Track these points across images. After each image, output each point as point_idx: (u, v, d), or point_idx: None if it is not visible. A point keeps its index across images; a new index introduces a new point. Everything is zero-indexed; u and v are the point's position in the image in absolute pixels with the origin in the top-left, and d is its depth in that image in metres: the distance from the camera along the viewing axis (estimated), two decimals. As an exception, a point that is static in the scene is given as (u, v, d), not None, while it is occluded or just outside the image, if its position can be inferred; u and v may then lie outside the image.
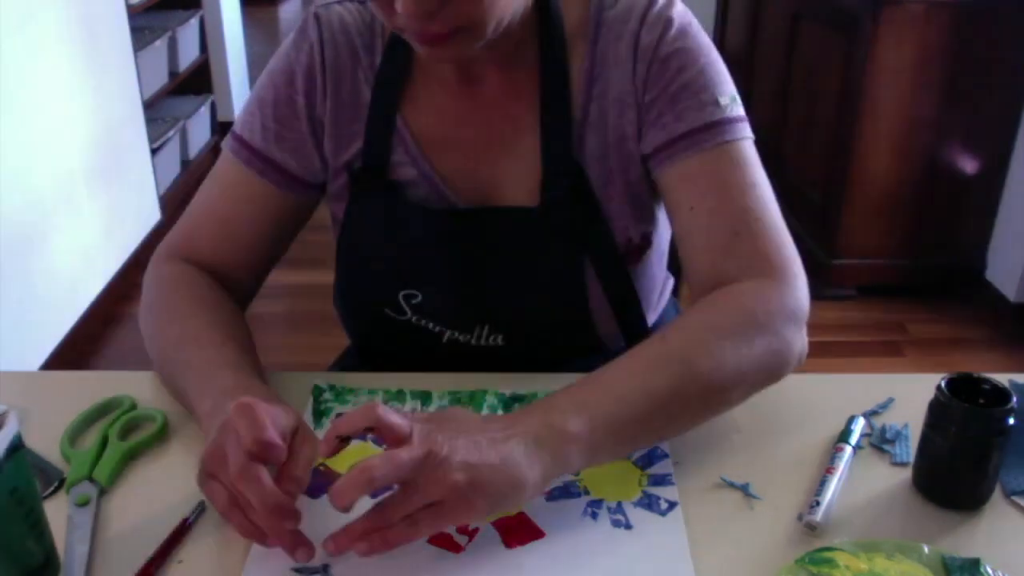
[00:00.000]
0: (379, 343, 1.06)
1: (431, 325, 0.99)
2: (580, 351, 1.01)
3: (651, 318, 1.07)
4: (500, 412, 0.89)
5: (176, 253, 0.97)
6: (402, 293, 0.97)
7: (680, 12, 0.91)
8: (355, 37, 0.94)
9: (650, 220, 0.99)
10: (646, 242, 0.99)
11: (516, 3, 0.83)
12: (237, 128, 0.97)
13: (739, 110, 0.90)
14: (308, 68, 0.94)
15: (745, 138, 0.90)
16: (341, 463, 0.81)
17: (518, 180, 0.94)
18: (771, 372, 0.82)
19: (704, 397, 0.78)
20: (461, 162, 0.95)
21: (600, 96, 0.92)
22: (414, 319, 0.99)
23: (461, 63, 0.92)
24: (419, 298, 0.97)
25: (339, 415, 0.89)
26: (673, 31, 0.89)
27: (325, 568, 0.70)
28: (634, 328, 1.02)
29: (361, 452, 0.83)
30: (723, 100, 0.89)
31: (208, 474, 0.71)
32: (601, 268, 0.96)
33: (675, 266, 1.13)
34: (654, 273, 1.03)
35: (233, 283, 0.97)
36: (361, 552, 0.67)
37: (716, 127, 0.88)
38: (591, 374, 0.77)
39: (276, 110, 0.95)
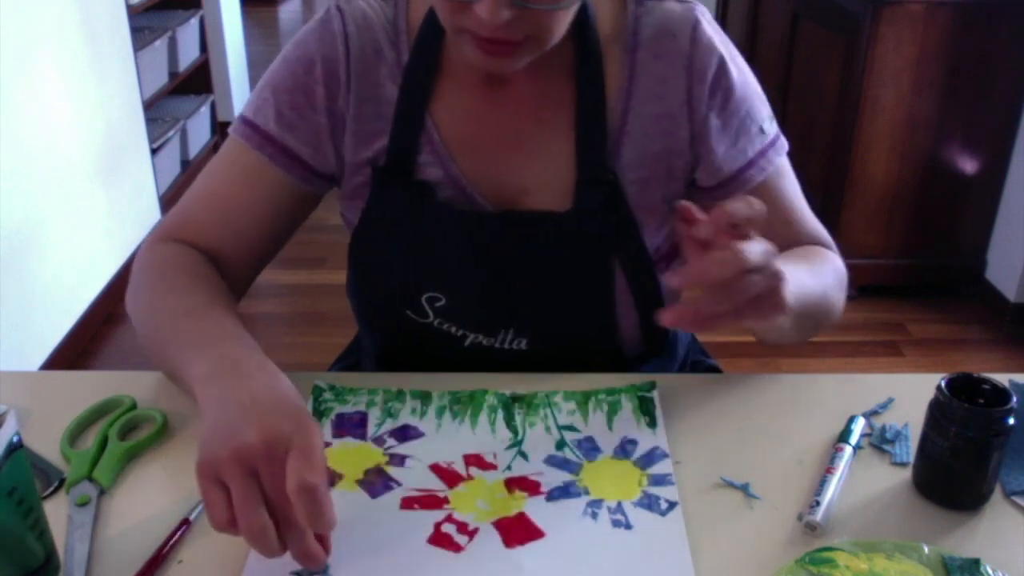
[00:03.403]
0: (399, 346, 1.03)
1: (453, 329, 0.97)
2: (600, 354, 1.00)
3: None
4: (500, 412, 0.89)
5: (173, 236, 0.95)
6: (425, 296, 0.95)
7: (723, 36, 0.94)
8: (379, 33, 0.93)
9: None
10: (674, 251, 1.00)
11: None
12: (248, 114, 0.94)
13: (775, 126, 0.98)
14: (330, 60, 0.92)
15: (784, 151, 0.98)
16: (343, 464, 0.82)
17: (548, 185, 0.93)
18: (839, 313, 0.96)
19: (832, 310, 0.94)
20: (488, 165, 0.94)
21: (640, 106, 0.92)
22: (436, 322, 0.97)
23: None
24: (443, 301, 0.95)
25: (339, 415, 0.89)
26: (727, 60, 0.92)
27: (325, 569, 0.70)
28: (655, 333, 1.02)
29: (360, 452, 0.84)
30: (767, 125, 0.96)
31: (237, 459, 0.66)
32: (631, 275, 0.95)
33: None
34: None
35: (229, 272, 0.94)
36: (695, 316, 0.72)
37: (766, 153, 0.95)
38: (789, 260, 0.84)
39: (292, 97, 0.93)
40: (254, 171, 0.93)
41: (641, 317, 0.98)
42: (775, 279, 0.72)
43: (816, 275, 0.90)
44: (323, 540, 0.69)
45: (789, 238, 0.96)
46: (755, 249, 0.69)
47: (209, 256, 0.94)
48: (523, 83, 0.92)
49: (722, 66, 0.92)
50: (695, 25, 0.91)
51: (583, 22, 0.90)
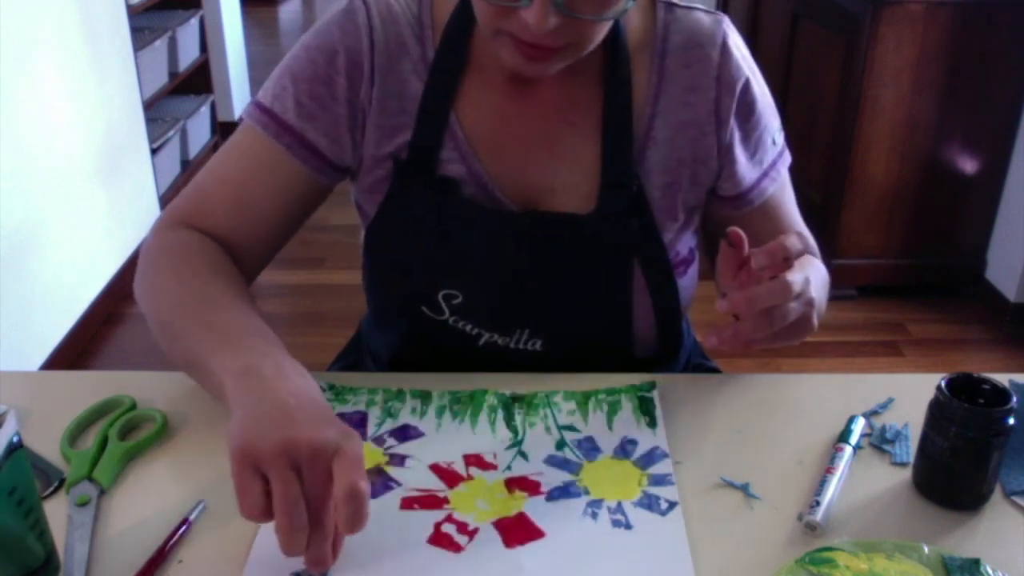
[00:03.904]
0: (413, 344, 1.03)
1: (469, 327, 0.97)
2: (614, 355, 1.00)
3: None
4: (500, 412, 0.89)
5: (184, 221, 0.93)
6: (442, 293, 0.95)
7: (747, 49, 0.96)
8: (404, 27, 0.92)
9: (696, 234, 1.02)
10: (692, 255, 1.01)
11: None
12: (266, 101, 0.93)
13: (782, 137, 1.01)
14: (354, 51, 0.91)
15: (788, 162, 1.02)
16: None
17: (572, 186, 0.93)
18: None
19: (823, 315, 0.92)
20: (512, 164, 0.93)
21: (667, 112, 0.93)
22: (451, 320, 0.96)
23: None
24: (460, 298, 0.95)
25: (339, 415, 0.89)
26: (752, 75, 0.94)
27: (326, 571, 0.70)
28: (670, 335, 1.02)
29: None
30: (777, 137, 0.99)
31: (282, 452, 0.65)
32: (650, 278, 0.95)
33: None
34: (693, 284, 1.04)
35: (239, 262, 0.93)
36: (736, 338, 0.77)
37: (776, 164, 0.99)
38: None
39: (312, 87, 0.91)
40: (269, 160, 0.92)
41: (658, 320, 0.98)
42: (808, 306, 0.80)
43: (817, 289, 0.90)
44: (335, 546, 0.69)
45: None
46: (798, 280, 0.77)
47: (220, 244, 0.92)
48: (550, 85, 0.92)
49: (749, 81, 0.94)
50: (725, 38, 0.93)
51: (613, 28, 0.90)
